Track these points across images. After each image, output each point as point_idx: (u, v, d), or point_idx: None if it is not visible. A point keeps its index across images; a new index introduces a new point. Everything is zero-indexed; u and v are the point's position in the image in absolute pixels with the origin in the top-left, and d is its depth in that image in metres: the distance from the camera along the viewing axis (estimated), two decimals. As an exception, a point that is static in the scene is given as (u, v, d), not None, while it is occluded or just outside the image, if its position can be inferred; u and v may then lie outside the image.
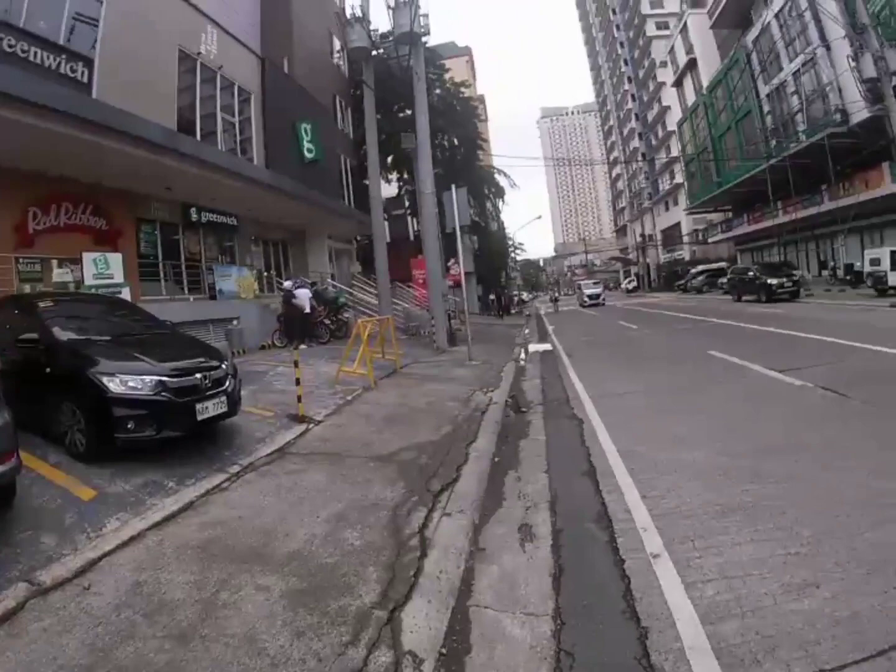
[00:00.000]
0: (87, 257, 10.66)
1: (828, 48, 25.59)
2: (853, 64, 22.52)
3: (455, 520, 3.78)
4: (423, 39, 15.20)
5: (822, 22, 25.54)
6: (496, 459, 5.23)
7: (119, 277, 11.10)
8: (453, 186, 11.91)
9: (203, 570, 3.12)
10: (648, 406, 6.65)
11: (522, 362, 11.93)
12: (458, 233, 11.93)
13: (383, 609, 2.71)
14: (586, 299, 38.60)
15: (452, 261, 23.51)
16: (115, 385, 4.73)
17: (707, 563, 2.90)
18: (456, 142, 30.55)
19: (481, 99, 51.47)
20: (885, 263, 19.25)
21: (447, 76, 31.36)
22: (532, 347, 14.66)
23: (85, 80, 10.71)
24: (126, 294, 10.68)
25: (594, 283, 45.16)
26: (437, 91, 29.19)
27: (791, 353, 8.96)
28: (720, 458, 4.39)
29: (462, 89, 31.89)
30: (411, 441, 5.68)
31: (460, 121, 30.41)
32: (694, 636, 2.33)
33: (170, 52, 13.36)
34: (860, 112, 23.11)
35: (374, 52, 16.36)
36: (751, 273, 24.14)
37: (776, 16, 29.68)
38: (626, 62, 71.44)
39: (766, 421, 5.41)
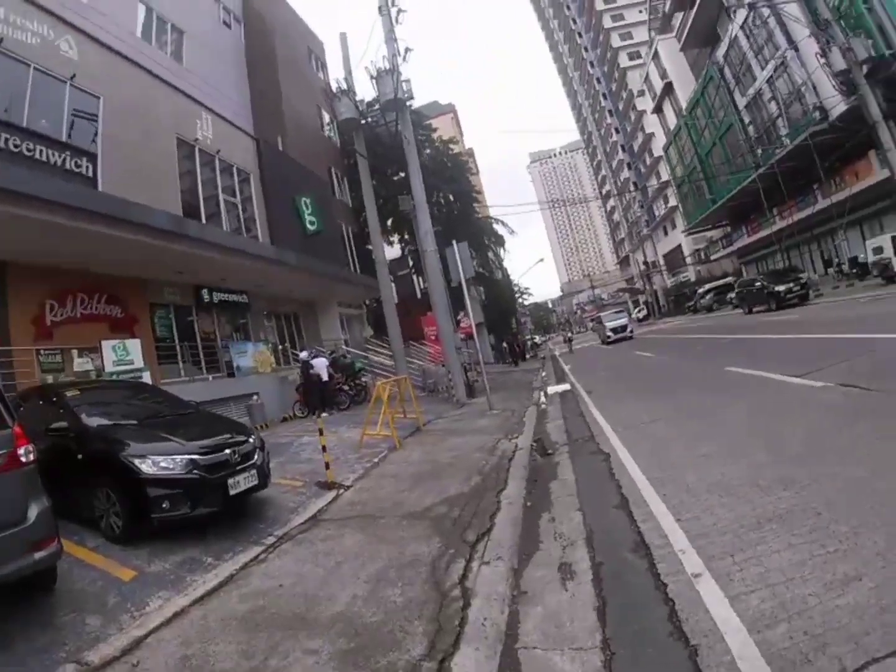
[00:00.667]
0: (107, 345, 10.90)
1: (796, 49, 26.15)
2: (823, 60, 22.94)
3: (494, 567, 3.77)
4: (408, 104, 15.79)
5: (786, 25, 26.22)
6: (528, 504, 5.20)
7: (139, 362, 11.32)
8: (454, 241, 12.18)
9: (250, 639, 3.15)
10: (673, 431, 6.61)
11: (543, 405, 11.83)
12: (465, 286, 12.14)
13: (432, 660, 2.72)
14: (610, 334, 31.26)
15: (462, 314, 23.70)
16: (147, 466, 4.84)
17: (748, 574, 2.87)
18: (451, 197, 31.25)
19: (470, 153, 52.95)
20: (889, 250, 19.17)
21: (435, 135, 32.39)
22: (551, 389, 14.52)
23: (90, 174, 11.22)
24: (147, 378, 10.89)
25: (616, 312, 36.12)
26: (427, 151, 30.07)
27: (808, 357, 8.85)
28: (749, 471, 4.35)
29: (451, 146, 32.83)
30: (442, 495, 5.68)
31: (453, 176, 31.17)
32: (743, 646, 2.31)
33: (168, 141, 14.01)
34: (838, 106, 23.45)
35: (363, 122, 16.94)
36: (758, 283, 24.08)
37: (741, 27, 30.40)
38: (604, 96, 73.46)
39: (791, 427, 5.35)
